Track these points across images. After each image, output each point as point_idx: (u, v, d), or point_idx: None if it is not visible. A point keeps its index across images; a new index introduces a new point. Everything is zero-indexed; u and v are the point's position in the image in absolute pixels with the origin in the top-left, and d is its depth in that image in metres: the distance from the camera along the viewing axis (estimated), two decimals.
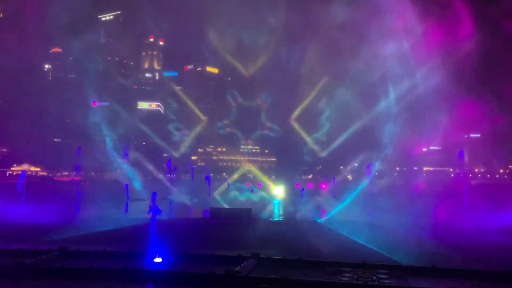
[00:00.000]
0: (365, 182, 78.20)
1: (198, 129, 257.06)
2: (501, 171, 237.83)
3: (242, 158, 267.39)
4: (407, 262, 18.89)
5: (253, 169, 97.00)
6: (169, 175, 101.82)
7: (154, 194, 19.78)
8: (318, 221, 42.54)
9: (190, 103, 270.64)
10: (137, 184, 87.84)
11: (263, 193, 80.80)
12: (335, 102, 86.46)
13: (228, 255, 19.10)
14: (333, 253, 22.70)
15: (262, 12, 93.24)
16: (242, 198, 74.51)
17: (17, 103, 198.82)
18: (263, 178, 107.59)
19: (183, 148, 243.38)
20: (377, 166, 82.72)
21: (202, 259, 18.70)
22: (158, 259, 17.89)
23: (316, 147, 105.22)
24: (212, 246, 23.59)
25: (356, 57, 79.55)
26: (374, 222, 39.37)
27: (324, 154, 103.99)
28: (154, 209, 18.97)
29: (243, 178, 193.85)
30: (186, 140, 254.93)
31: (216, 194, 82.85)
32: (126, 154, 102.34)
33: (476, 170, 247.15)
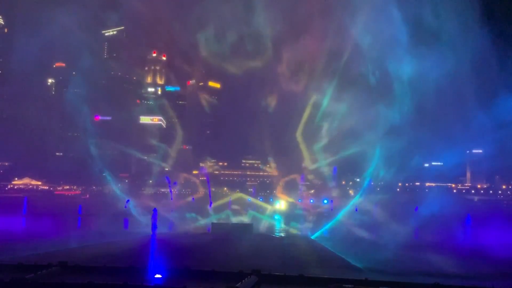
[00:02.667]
0: (354, 200, 77.80)
1: (199, 143, 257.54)
2: (504, 187, 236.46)
3: (243, 172, 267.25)
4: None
5: (245, 197, 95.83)
6: (169, 190, 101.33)
7: (155, 211, 19.80)
8: (312, 237, 42.45)
9: (192, 118, 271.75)
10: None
11: (254, 212, 78.50)
12: (337, 117, 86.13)
13: (229, 271, 18.91)
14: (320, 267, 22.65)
15: (267, 29, 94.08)
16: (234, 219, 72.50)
17: (19, 117, 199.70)
18: (256, 201, 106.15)
19: (184, 162, 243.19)
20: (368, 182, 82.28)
21: (203, 275, 18.53)
22: (158, 275, 17.74)
23: (317, 162, 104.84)
24: (213, 261, 23.42)
25: (357, 71, 79.89)
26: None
27: (323, 168, 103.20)
28: (153, 225, 18.95)
29: (245, 193, 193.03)
30: (187, 154, 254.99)
31: (213, 212, 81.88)
32: (126, 170, 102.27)
33: (479, 186, 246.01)
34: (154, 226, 19.07)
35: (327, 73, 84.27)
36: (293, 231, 50.03)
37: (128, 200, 76.44)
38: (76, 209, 69.08)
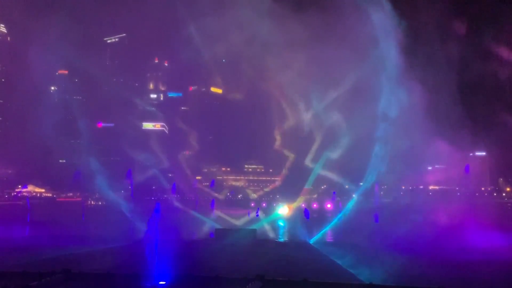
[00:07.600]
0: (351, 203, 77.25)
1: (202, 149, 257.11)
2: (508, 189, 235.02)
3: (246, 177, 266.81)
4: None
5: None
6: (173, 195, 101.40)
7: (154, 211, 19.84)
8: (310, 241, 42.33)
9: (195, 124, 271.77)
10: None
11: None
12: (342, 119, 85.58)
13: (233, 277, 18.86)
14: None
15: (270, 36, 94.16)
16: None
17: (22, 124, 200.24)
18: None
19: (187, 167, 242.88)
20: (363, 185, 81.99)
21: (207, 281, 18.49)
22: (162, 282, 17.70)
23: (319, 165, 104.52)
24: (217, 267, 23.33)
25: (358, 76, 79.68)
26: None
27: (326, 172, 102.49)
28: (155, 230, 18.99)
29: (247, 199, 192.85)
30: (190, 160, 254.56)
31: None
32: (130, 175, 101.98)
33: (483, 189, 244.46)
34: (156, 231, 19.08)
35: (332, 82, 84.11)
36: (293, 236, 49.79)
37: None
38: (79, 216, 69.13)
